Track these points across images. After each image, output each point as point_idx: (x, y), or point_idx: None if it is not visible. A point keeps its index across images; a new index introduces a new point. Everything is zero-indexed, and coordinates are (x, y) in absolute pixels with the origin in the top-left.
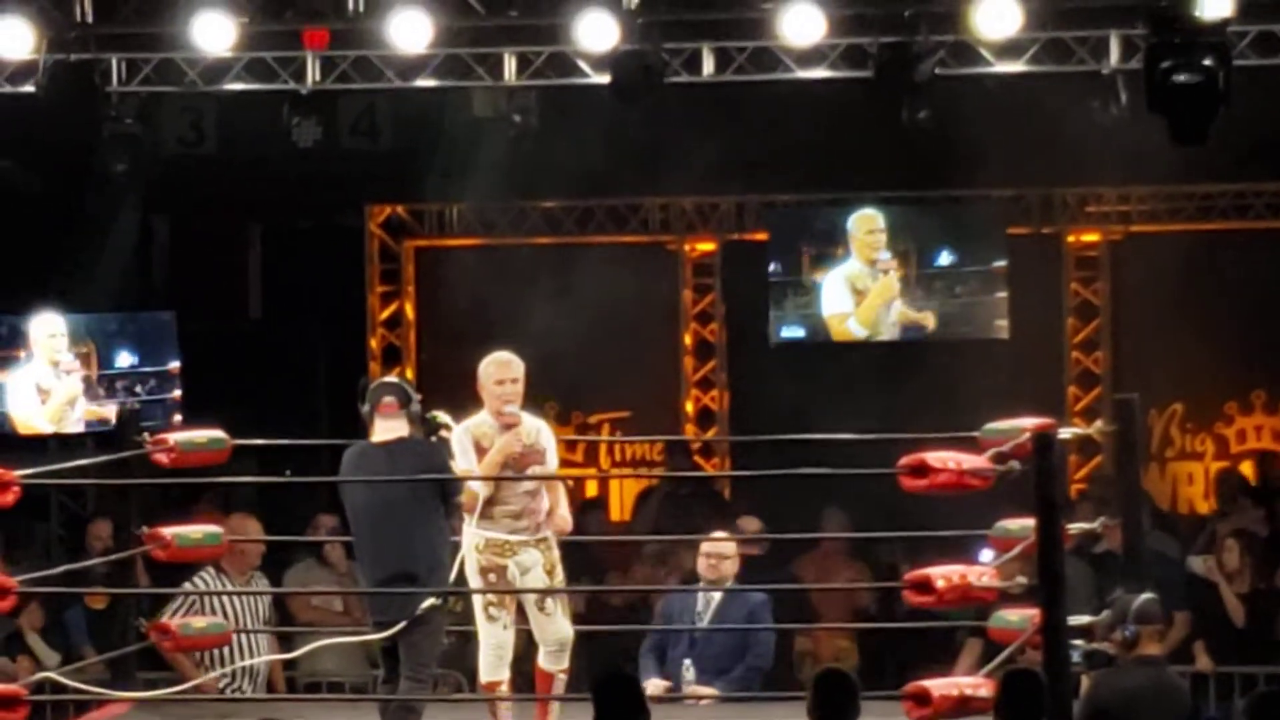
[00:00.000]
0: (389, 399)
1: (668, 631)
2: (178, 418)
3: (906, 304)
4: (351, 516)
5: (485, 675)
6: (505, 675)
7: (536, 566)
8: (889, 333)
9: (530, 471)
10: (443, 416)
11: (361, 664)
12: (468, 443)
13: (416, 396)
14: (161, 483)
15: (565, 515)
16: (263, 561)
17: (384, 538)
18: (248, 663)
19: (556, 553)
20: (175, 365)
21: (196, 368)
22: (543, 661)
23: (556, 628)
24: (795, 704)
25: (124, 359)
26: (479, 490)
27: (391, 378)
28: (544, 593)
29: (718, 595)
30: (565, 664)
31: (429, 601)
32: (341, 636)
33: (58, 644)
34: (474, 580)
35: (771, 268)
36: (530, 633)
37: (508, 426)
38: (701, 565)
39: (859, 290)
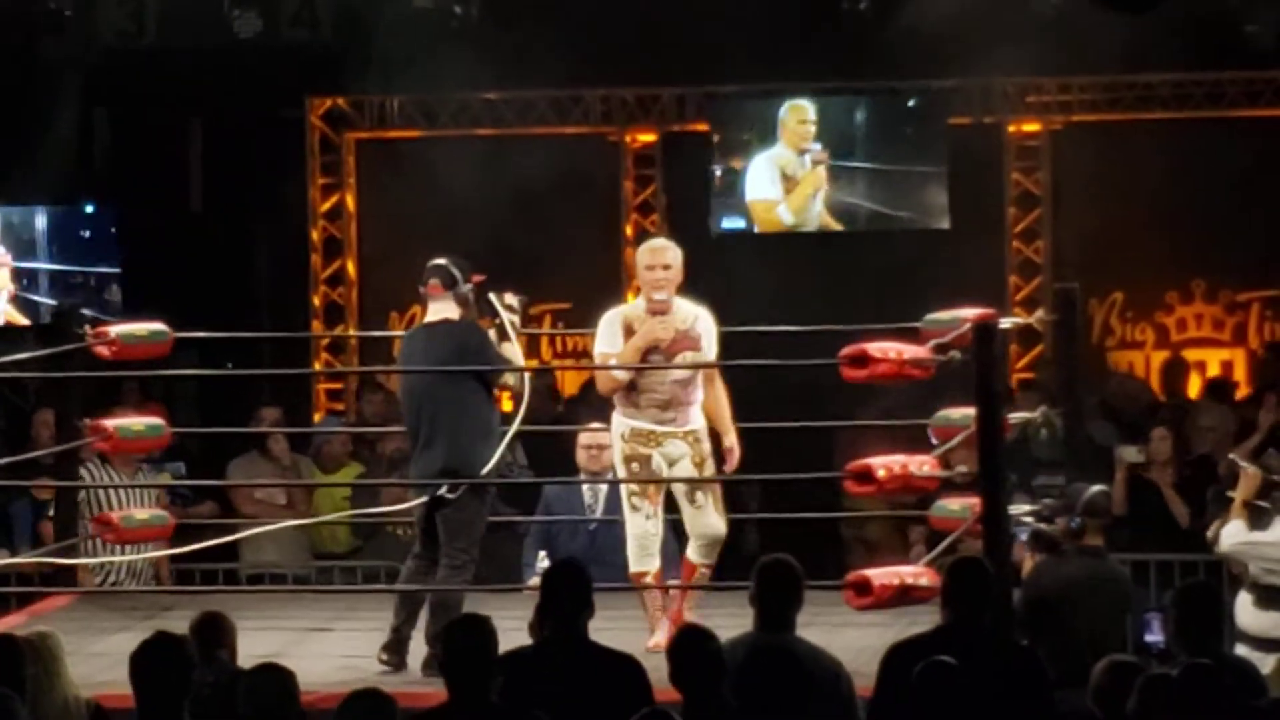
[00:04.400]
0: (433, 281)
1: (554, 523)
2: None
3: (843, 195)
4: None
5: (631, 566)
6: (650, 567)
7: (684, 459)
8: (814, 223)
9: (679, 360)
10: (510, 298)
11: (304, 555)
12: (616, 327)
13: (470, 278)
14: (103, 375)
15: (732, 443)
16: (204, 455)
17: (419, 419)
18: (127, 558)
19: (707, 446)
20: (115, 258)
21: (137, 261)
22: (691, 553)
23: (707, 522)
24: (737, 594)
25: (62, 252)
26: (620, 377)
27: (441, 259)
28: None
29: (604, 487)
30: (713, 559)
31: (445, 487)
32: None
33: (2, 539)
34: (620, 469)
35: (714, 158)
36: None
37: (655, 313)
38: (582, 457)
39: (788, 177)
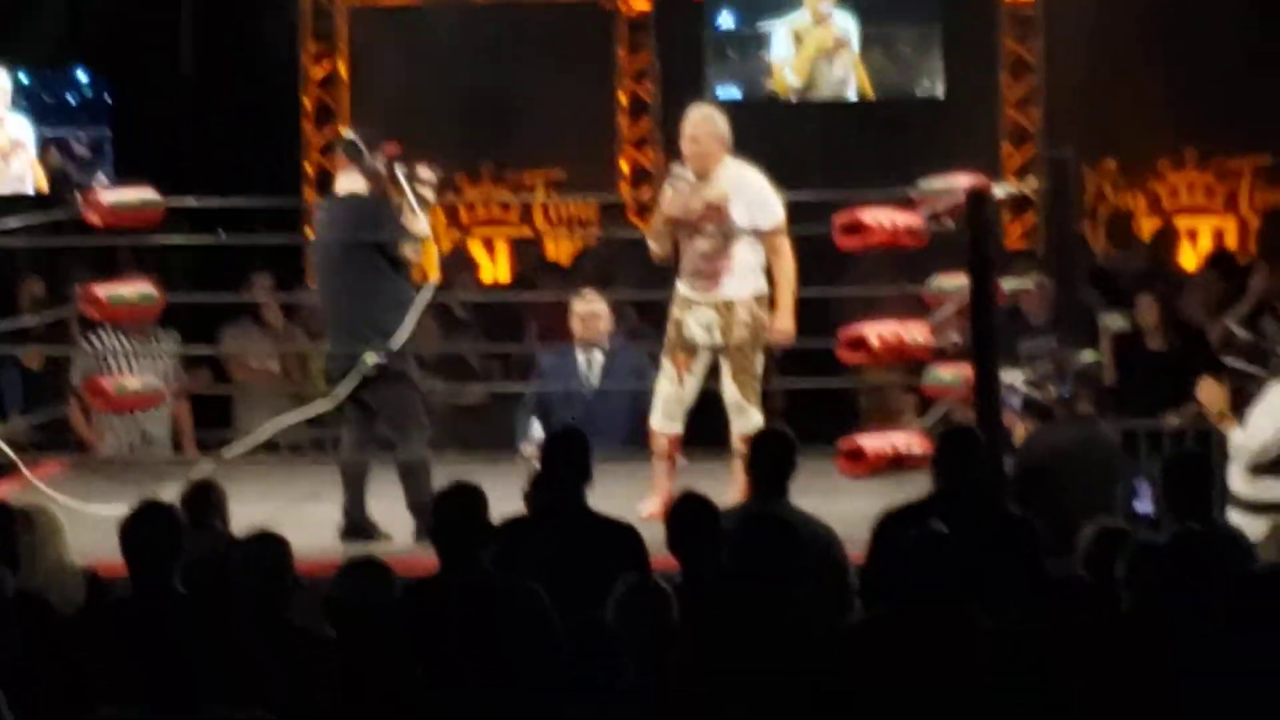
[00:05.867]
0: (339, 153)
1: (549, 392)
2: (110, 177)
3: (851, 62)
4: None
5: (651, 421)
6: (665, 429)
7: (712, 327)
8: (829, 90)
9: (708, 229)
10: (423, 171)
11: (299, 425)
12: (668, 191)
13: (383, 151)
14: (93, 244)
15: (785, 324)
16: (199, 322)
17: (326, 294)
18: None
19: (743, 315)
20: (105, 122)
21: (128, 126)
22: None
23: (724, 389)
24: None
25: (51, 117)
26: (653, 246)
27: (349, 132)
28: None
29: (599, 355)
30: (746, 429)
31: (368, 357)
32: (284, 400)
33: None
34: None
35: (719, 19)
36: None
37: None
38: (577, 326)
39: (799, 38)
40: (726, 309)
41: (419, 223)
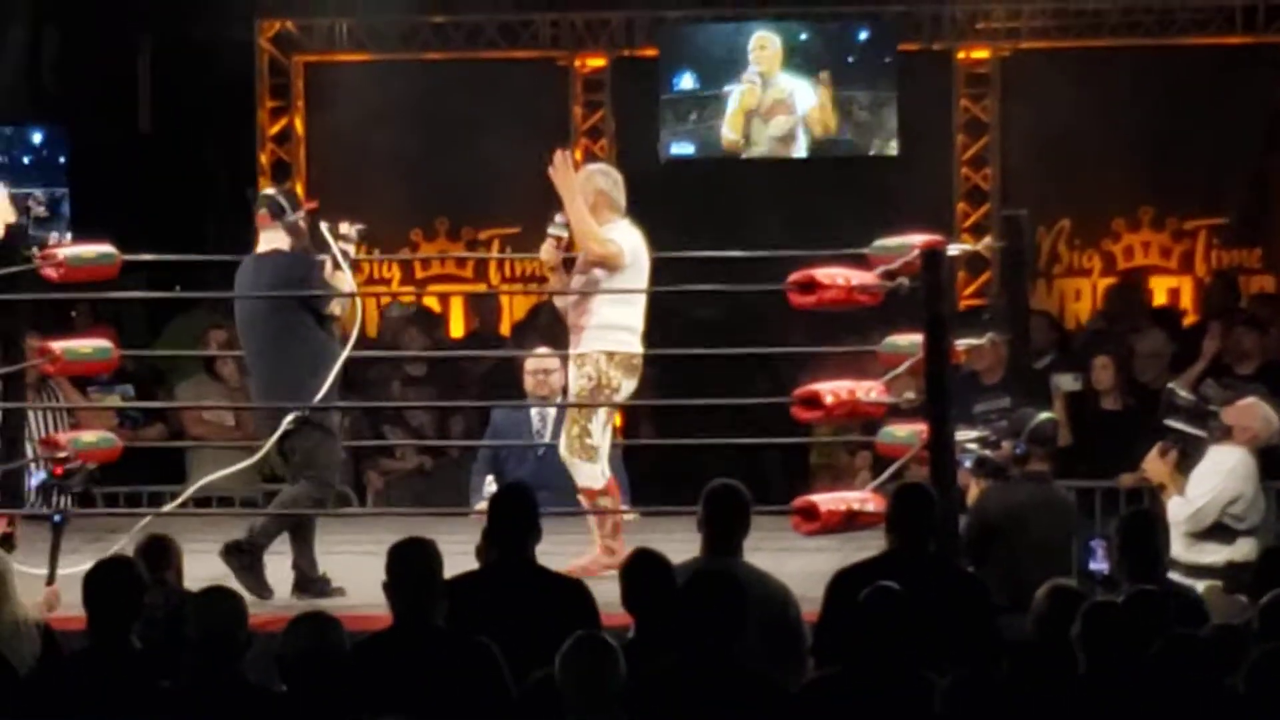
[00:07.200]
0: (262, 211)
1: (503, 447)
2: (67, 234)
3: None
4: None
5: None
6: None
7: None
8: (766, 147)
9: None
10: (345, 227)
11: (253, 479)
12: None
13: (299, 207)
14: (50, 298)
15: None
16: (156, 376)
17: (250, 353)
18: None
19: (587, 369)
20: (63, 179)
21: (86, 181)
22: None
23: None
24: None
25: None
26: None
27: (269, 189)
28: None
29: (552, 411)
30: (579, 483)
31: (290, 416)
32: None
33: None
34: None
35: (672, 82)
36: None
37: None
38: (529, 383)
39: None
40: (579, 363)
41: (343, 278)
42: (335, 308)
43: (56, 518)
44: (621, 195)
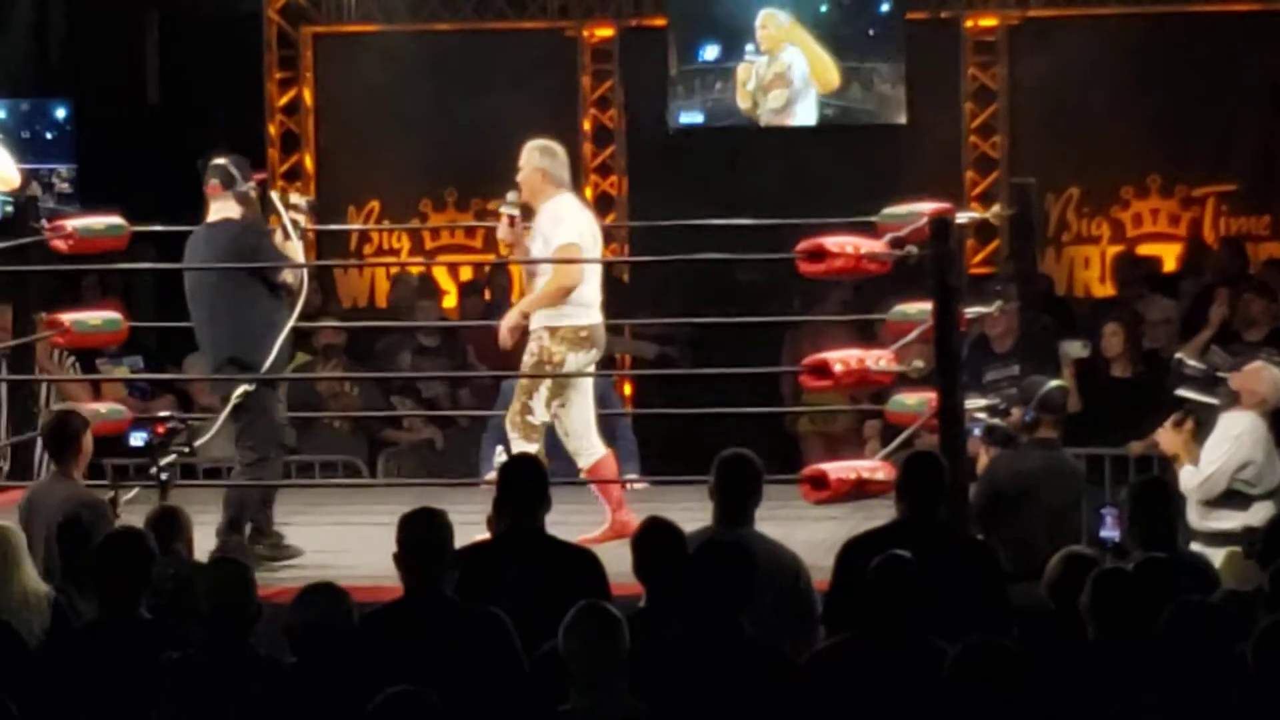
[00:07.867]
0: (213, 181)
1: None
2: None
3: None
4: None
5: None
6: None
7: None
8: (767, 119)
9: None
10: (295, 197)
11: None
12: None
13: (249, 176)
14: (60, 269)
15: (508, 320)
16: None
17: (199, 321)
18: None
19: (531, 345)
20: (73, 152)
21: (95, 154)
22: None
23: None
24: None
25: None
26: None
27: (220, 159)
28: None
29: None
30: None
31: (241, 388)
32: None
33: None
34: None
35: (688, 53)
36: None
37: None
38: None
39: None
40: (535, 338)
41: (293, 248)
42: (287, 276)
43: (165, 475)
44: (564, 170)
